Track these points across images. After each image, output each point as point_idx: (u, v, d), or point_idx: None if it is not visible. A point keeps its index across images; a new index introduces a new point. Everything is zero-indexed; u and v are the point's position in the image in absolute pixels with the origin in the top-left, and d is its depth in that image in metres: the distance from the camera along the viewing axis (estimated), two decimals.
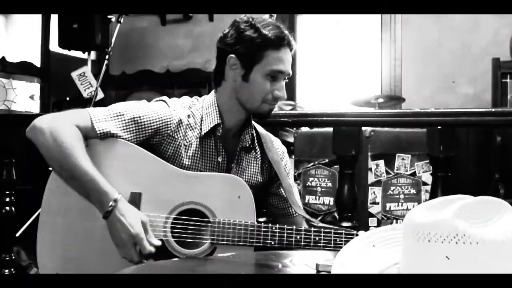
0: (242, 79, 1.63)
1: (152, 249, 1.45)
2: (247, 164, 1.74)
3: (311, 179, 3.00)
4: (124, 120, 1.56)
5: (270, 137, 1.82)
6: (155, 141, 1.61)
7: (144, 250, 1.44)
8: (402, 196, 2.86)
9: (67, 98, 4.62)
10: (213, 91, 1.71)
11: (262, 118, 1.71)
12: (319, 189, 2.98)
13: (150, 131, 1.59)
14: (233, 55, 1.62)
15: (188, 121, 1.65)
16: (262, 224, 1.57)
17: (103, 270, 1.49)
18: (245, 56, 1.61)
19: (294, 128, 3.15)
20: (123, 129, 1.56)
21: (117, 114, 1.57)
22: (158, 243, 1.48)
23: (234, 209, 1.57)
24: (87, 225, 1.53)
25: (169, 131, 1.61)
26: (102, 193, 1.45)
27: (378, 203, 2.87)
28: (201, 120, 1.66)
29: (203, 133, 1.64)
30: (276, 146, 1.81)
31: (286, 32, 1.65)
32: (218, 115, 1.65)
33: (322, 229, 1.58)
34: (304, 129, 3.13)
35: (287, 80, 1.68)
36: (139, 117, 1.58)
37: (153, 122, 1.59)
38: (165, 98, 1.69)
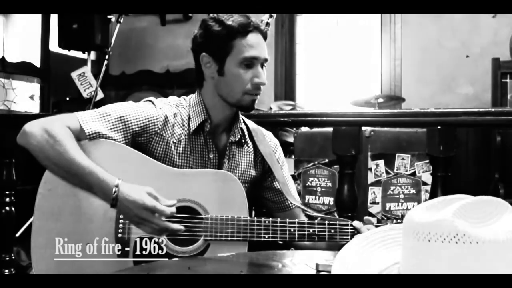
0: (218, 75, 1.64)
1: (173, 209, 1.47)
2: (239, 159, 1.75)
3: (311, 179, 3.00)
4: (111, 119, 1.58)
5: (262, 130, 1.83)
6: (143, 139, 1.62)
7: (165, 214, 1.45)
8: (402, 196, 2.86)
9: (67, 98, 4.63)
10: (197, 90, 1.73)
11: (246, 110, 1.70)
12: (319, 189, 2.97)
13: (137, 129, 1.60)
14: (204, 53, 1.65)
15: (175, 119, 1.67)
16: (255, 218, 1.57)
17: (98, 272, 1.49)
18: (215, 51, 1.63)
19: (294, 128, 3.15)
20: (111, 129, 1.58)
21: (104, 114, 1.59)
22: (173, 202, 1.49)
23: (226, 205, 1.57)
24: (80, 227, 1.53)
25: (156, 129, 1.63)
26: (103, 183, 1.46)
27: (378, 203, 2.87)
28: (189, 118, 1.68)
29: (191, 130, 1.66)
30: (268, 139, 1.82)
31: (253, 19, 1.63)
32: (204, 112, 1.67)
33: (316, 222, 1.59)
34: (304, 129, 3.12)
35: (265, 66, 1.66)
36: (126, 115, 1.60)
37: (140, 120, 1.61)
38: (151, 98, 1.71)
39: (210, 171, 1.66)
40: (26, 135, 1.51)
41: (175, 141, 1.65)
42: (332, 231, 1.57)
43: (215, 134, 1.71)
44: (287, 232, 1.56)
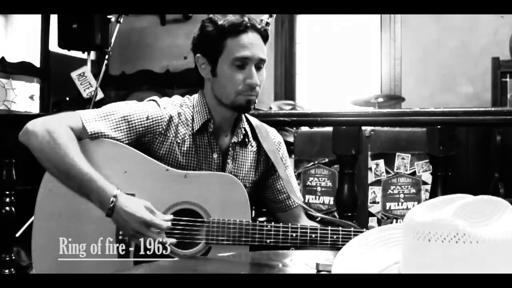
0: (212, 76, 1.64)
1: (169, 224, 1.48)
2: (243, 159, 1.74)
3: (311, 178, 3.00)
4: (114, 119, 1.57)
5: (266, 127, 1.81)
6: (147, 140, 1.61)
7: (161, 227, 1.46)
8: (402, 196, 2.86)
9: (67, 98, 4.63)
10: (200, 90, 1.73)
11: (241, 111, 1.67)
12: (319, 188, 2.97)
13: (141, 129, 1.59)
14: (199, 54, 1.65)
15: (180, 119, 1.65)
16: (257, 223, 1.57)
17: (98, 272, 1.48)
18: (208, 52, 1.62)
19: (294, 128, 3.15)
20: (114, 129, 1.56)
21: (107, 113, 1.58)
22: (170, 217, 1.50)
23: (229, 208, 1.56)
24: (80, 227, 1.53)
25: (160, 129, 1.62)
26: (101, 191, 1.45)
27: (378, 203, 2.87)
28: (193, 118, 1.67)
29: (195, 130, 1.65)
30: (271, 137, 1.80)
31: (247, 18, 1.60)
32: (207, 112, 1.66)
33: (318, 227, 1.58)
34: (304, 128, 3.12)
35: (262, 66, 1.63)
36: (129, 115, 1.58)
37: (144, 121, 1.59)
38: (155, 98, 1.70)
39: (213, 173, 1.64)
40: (28, 134, 1.50)
41: (179, 141, 1.64)
42: (335, 237, 1.55)
43: (219, 134, 1.70)
44: (289, 237, 1.55)
